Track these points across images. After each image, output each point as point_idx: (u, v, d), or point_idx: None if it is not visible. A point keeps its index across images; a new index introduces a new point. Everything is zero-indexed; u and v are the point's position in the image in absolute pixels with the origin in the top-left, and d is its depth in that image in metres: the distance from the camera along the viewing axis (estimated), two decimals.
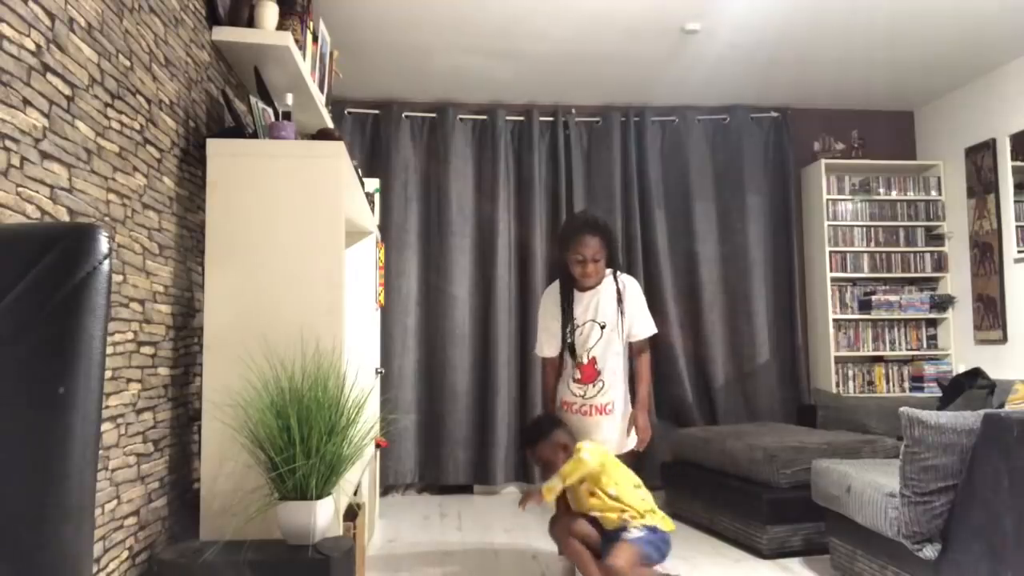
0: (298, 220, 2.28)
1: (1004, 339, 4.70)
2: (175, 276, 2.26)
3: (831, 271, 5.21)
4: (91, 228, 0.70)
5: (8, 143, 1.41)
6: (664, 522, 2.61)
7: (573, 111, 5.26)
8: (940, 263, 5.30)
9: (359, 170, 3.19)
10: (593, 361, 2.89)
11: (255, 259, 2.26)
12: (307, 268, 2.27)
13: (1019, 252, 4.59)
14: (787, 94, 5.21)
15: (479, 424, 4.94)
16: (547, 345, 2.99)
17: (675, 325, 5.14)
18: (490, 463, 4.86)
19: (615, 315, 2.90)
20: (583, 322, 2.92)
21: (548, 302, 3.03)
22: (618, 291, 2.93)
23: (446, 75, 4.75)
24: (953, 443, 2.29)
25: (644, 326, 2.96)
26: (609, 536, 2.60)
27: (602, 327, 2.90)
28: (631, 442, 2.95)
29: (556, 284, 3.03)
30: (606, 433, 2.89)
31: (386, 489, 4.82)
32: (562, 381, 2.98)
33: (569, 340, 2.92)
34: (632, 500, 2.61)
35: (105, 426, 1.81)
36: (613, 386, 2.90)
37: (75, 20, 1.66)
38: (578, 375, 2.91)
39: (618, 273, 2.98)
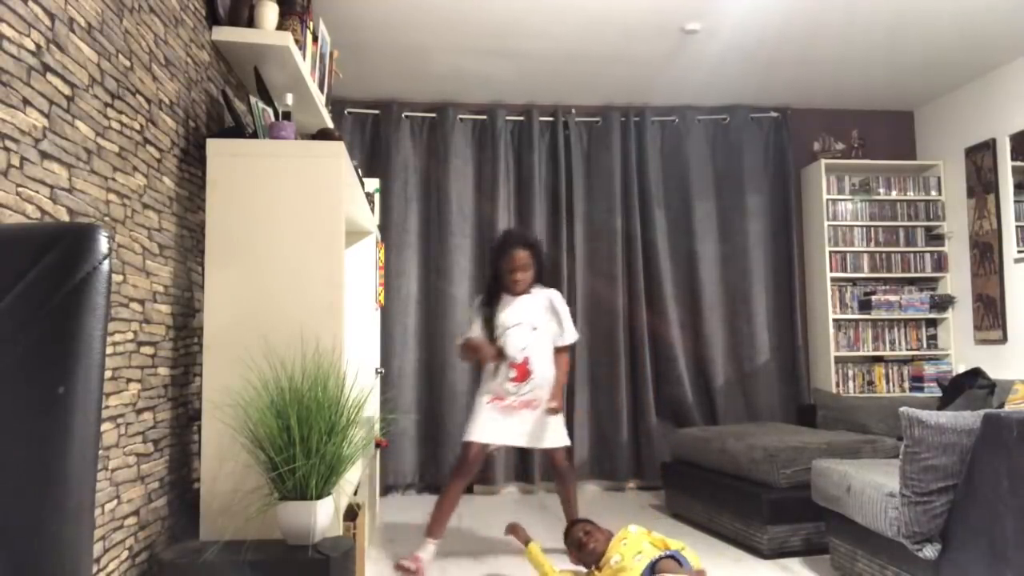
0: (298, 220, 2.28)
1: (1004, 339, 4.70)
2: (175, 276, 2.26)
3: (831, 271, 5.21)
4: (91, 228, 0.69)
5: (8, 143, 1.41)
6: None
7: (573, 111, 5.26)
8: (940, 263, 5.30)
9: (359, 170, 3.19)
10: (526, 361, 3.18)
11: (255, 259, 2.26)
12: (307, 268, 2.27)
13: (1019, 252, 4.59)
14: (787, 94, 5.21)
15: None
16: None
17: (675, 325, 5.14)
18: (490, 463, 4.86)
19: (546, 322, 3.25)
20: (514, 324, 3.20)
21: (474, 313, 3.31)
22: (550, 303, 3.28)
23: (446, 75, 4.75)
24: (953, 443, 2.29)
25: (572, 334, 3.34)
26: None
27: (534, 329, 3.21)
28: (547, 439, 3.22)
29: (482, 296, 3.35)
30: (523, 426, 3.18)
31: (386, 489, 4.82)
32: (494, 378, 3.21)
33: (499, 342, 3.17)
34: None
35: (105, 426, 1.81)
36: (541, 385, 3.20)
37: (75, 20, 1.66)
38: (513, 374, 3.18)
39: (543, 288, 3.32)
